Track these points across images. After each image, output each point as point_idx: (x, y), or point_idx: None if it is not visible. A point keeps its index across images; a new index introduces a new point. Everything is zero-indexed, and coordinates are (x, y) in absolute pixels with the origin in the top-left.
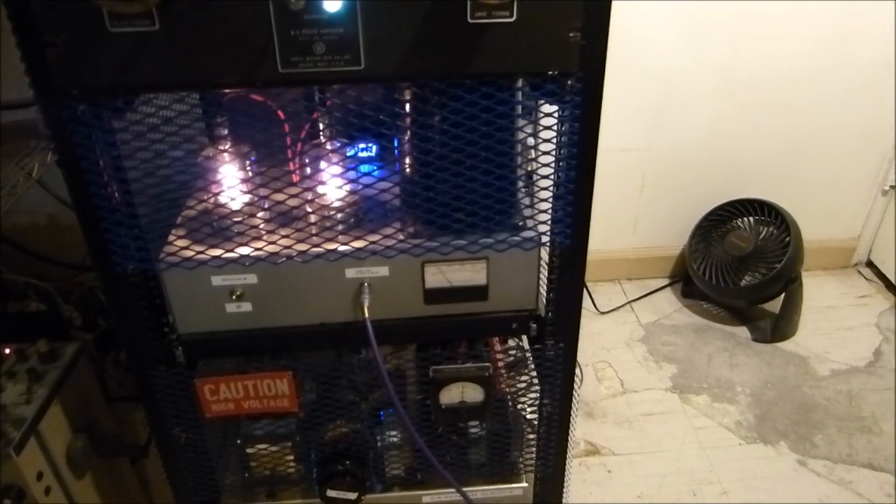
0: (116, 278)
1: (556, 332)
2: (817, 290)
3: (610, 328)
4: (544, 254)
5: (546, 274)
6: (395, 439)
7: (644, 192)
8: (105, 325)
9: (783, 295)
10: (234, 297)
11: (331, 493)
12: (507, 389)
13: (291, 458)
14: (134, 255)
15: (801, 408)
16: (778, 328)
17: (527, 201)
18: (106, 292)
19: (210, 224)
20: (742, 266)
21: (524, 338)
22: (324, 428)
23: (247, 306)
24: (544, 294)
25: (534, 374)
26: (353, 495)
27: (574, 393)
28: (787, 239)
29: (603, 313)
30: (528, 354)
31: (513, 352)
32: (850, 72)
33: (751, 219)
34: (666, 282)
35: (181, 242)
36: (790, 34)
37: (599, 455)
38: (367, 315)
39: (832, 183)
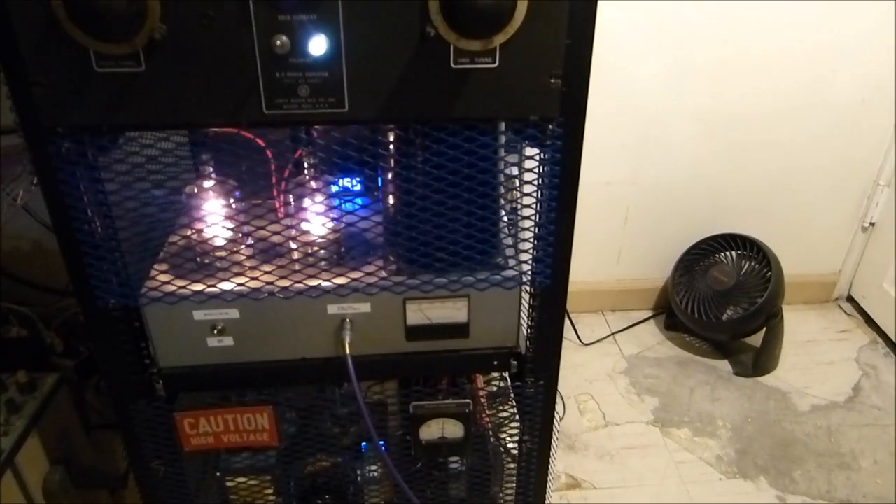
0: (98, 311)
1: (536, 370)
2: (798, 324)
3: (593, 360)
4: (525, 293)
5: (527, 311)
6: (375, 474)
7: (628, 224)
8: (87, 353)
9: (764, 329)
10: (215, 331)
11: None
12: (488, 424)
13: (271, 491)
14: (116, 290)
15: (782, 443)
16: (759, 362)
17: (509, 241)
18: (87, 325)
19: (193, 259)
20: (724, 300)
21: (506, 374)
22: (304, 461)
23: (228, 341)
24: (525, 331)
25: (514, 409)
26: None
27: (554, 428)
28: (769, 274)
29: (586, 345)
30: (510, 390)
31: (493, 387)
32: (829, 110)
33: (733, 253)
34: (649, 314)
35: (163, 277)
36: (770, 74)
37: (580, 489)
38: (347, 351)
39: (813, 218)
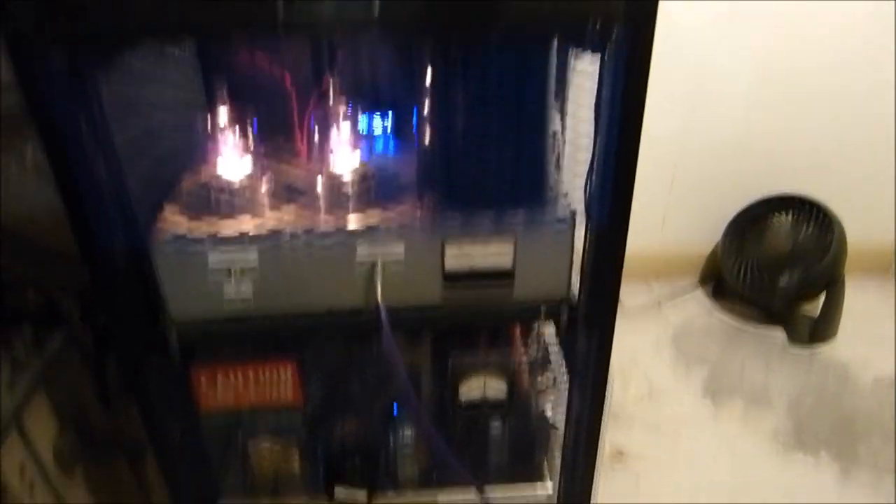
0: (102, 256)
1: (589, 322)
2: (856, 293)
3: (637, 329)
4: (579, 233)
5: (580, 255)
6: (408, 436)
7: (675, 186)
8: (105, 320)
9: (823, 297)
10: (233, 279)
11: (339, 493)
12: (532, 384)
13: (296, 455)
14: (121, 230)
15: (843, 416)
16: (817, 331)
17: (561, 173)
18: (91, 273)
19: (207, 197)
20: (780, 265)
21: (553, 328)
22: (331, 424)
23: (247, 290)
24: (577, 278)
25: (562, 367)
26: (362, 494)
27: (608, 388)
28: (830, 237)
29: (630, 313)
30: (557, 346)
31: (539, 343)
32: None
33: (789, 216)
34: (696, 283)
35: (175, 217)
36: (834, 20)
37: (626, 461)
38: (380, 299)
39: (877, 180)
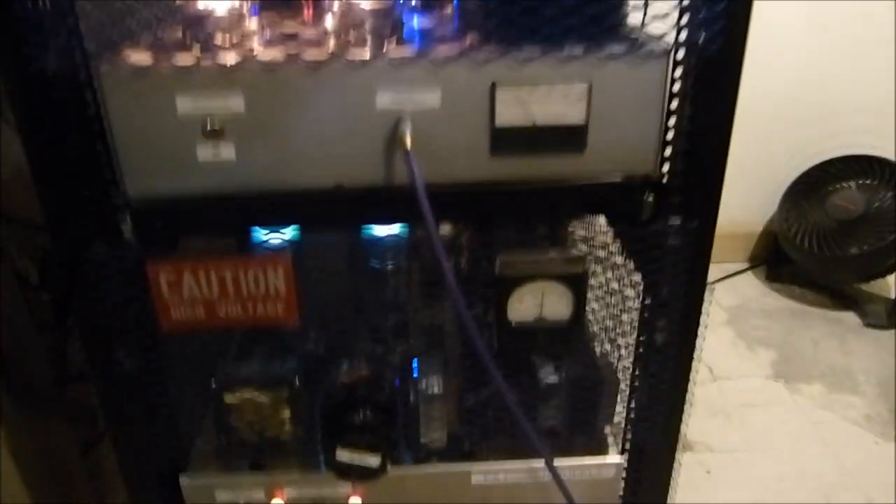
0: (31, 81)
1: (685, 205)
2: None
3: None
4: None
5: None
6: (434, 390)
7: None
8: (66, 286)
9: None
10: (209, 132)
11: (342, 457)
12: (600, 304)
13: (287, 410)
14: (58, 44)
15: None
16: None
17: None
18: (16, 111)
19: (177, 15)
20: (848, 233)
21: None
22: (335, 361)
23: (228, 151)
24: (666, 151)
25: (639, 279)
26: (374, 460)
27: (704, 307)
28: None
29: None
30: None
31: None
32: None
33: (857, 178)
34: (745, 265)
35: (137, 55)
36: None
37: (693, 451)
38: (409, 146)
39: None
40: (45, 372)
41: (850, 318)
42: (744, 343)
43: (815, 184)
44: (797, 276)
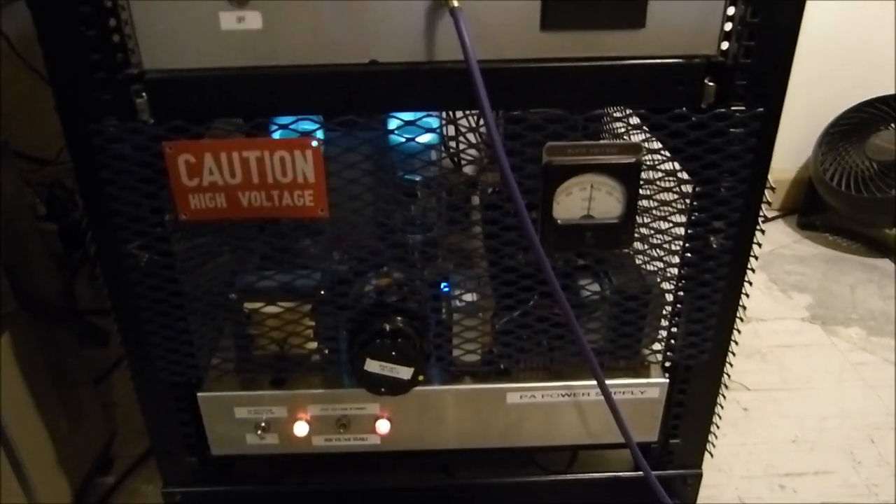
0: None
1: (748, 91)
2: None
3: None
4: None
5: None
6: (469, 303)
7: None
8: (76, 217)
9: None
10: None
11: (371, 367)
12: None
13: (311, 322)
14: None
15: None
16: None
17: None
18: None
19: None
20: (889, 175)
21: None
22: (363, 280)
23: (254, 19)
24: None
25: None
26: (406, 372)
27: (763, 204)
28: None
29: None
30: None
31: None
32: None
33: None
34: (776, 213)
35: None
36: None
37: (729, 390)
38: (455, 2)
39: None
40: (57, 300)
41: (887, 264)
42: (777, 287)
43: (853, 125)
44: (831, 223)
